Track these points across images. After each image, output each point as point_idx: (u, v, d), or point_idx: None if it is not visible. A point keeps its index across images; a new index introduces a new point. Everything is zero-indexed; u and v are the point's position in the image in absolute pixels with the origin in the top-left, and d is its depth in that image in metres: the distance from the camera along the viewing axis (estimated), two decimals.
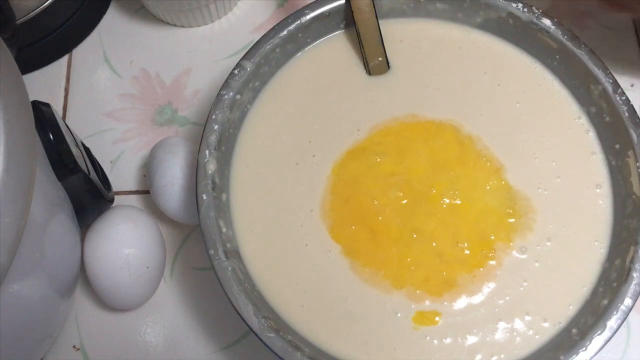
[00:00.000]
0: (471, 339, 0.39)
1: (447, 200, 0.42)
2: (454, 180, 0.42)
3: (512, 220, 0.41)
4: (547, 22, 0.44)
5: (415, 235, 0.41)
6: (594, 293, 0.39)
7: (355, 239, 0.41)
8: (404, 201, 0.42)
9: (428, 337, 0.39)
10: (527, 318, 0.39)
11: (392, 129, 0.44)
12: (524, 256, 0.40)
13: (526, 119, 0.44)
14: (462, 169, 0.43)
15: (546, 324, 0.39)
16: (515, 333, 0.39)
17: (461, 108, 0.44)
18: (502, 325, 0.39)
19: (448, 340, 0.39)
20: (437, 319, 0.39)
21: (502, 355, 0.39)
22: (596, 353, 0.37)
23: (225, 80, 0.43)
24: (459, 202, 0.42)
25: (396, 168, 0.43)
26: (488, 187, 0.42)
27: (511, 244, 0.41)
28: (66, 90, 0.53)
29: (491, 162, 0.43)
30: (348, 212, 0.42)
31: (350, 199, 0.42)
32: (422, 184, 0.43)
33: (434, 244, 0.41)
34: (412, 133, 0.44)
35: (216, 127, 0.42)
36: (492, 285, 0.40)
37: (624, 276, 0.38)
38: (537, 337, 0.39)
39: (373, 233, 0.41)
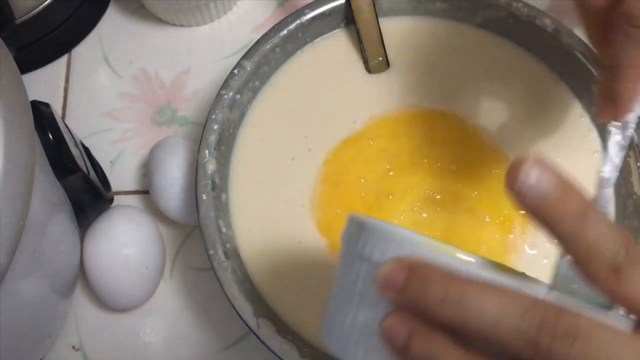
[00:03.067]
0: None
1: (440, 164, 0.42)
2: (454, 156, 0.42)
3: (523, 212, 0.41)
4: (547, 21, 0.44)
5: (390, 197, 0.41)
6: None
7: (337, 223, 0.41)
8: (391, 173, 0.42)
9: None
10: None
11: (390, 119, 0.44)
12: (534, 252, 0.40)
13: (529, 115, 0.44)
14: (465, 149, 0.43)
15: None
16: None
17: (463, 102, 0.44)
18: None
19: None
20: None
21: None
22: None
23: (225, 80, 0.43)
24: (454, 167, 0.42)
25: (388, 145, 0.43)
26: (494, 172, 0.42)
27: (523, 236, 0.41)
28: (65, 90, 0.53)
29: (496, 152, 0.43)
30: (335, 197, 0.42)
31: (339, 184, 0.42)
32: (413, 156, 0.42)
33: (410, 202, 0.41)
34: (412, 120, 0.44)
35: (216, 127, 0.42)
36: None
37: None
38: None
39: (351, 209, 0.41)
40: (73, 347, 0.45)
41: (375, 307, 0.24)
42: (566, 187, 0.22)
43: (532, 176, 0.21)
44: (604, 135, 0.43)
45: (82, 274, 0.44)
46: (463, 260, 0.23)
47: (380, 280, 0.23)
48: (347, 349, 0.24)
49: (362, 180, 0.42)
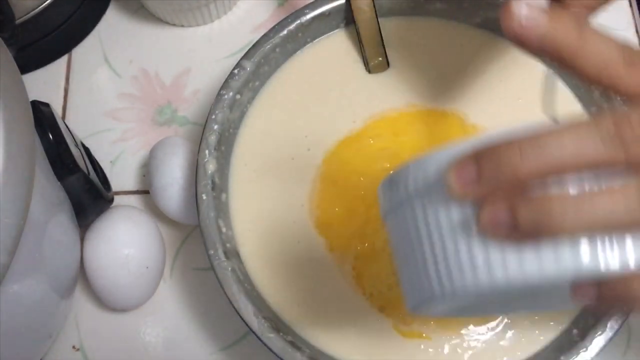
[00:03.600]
0: (473, 344, 0.39)
1: None
2: None
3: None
4: None
5: None
6: None
7: (335, 222, 0.41)
8: (391, 172, 0.42)
9: (422, 346, 0.39)
10: (536, 318, 0.39)
11: (390, 118, 0.44)
12: None
13: (530, 115, 0.44)
14: None
15: (551, 324, 0.39)
16: (521, 335, 0.39)
17: (463, 102, 0.44)
18: (511, 325, 0.39)
19: (446, 349, 0.39)
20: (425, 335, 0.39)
21: (505, 358, 0.38)
22: (597, 353, 0.37)
23: (225, 80, 0.43)
24: None
25: (388, 144, 0.43)
26: None
27: None
28: (66, 90, 0.53)
29: None
30: (334, 195, 0.42)
31: (339, 182, 0.42)
32: (413, 155, 0.42)
33: None
34: (412, 119, 0.44)
35: (216, 127, 0.42)
36: None
37: None
38: (541, 338, 0.39)
39: (349, 209, 0.41)
40: (73, 347, 0.45)
41: (458, 216, 0.23)
42: (554, 9, 0.23)
43: (523, 8, 0.23)
44: None
45: (82, 274, 0.44)
46: (510, 128, 0.23)
47: (452, 182, 0.22)
48: (452, 279, 0.23)
49: (362, 179, 0.42)
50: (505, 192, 0.22)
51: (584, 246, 0.22)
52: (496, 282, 0.23)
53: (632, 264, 0.22)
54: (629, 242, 0.22)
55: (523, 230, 0.22)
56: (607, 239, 0.22)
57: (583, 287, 0.23)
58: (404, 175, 0.25)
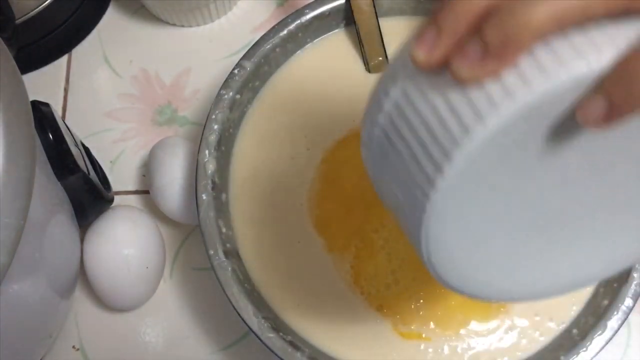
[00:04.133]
0: (473, 344, 0.39)
1: None
2: None
3: None
4: None
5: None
6: (595, 293, 0.39)
7: (334, 222, 0.41)
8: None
9: (422, 347, 0.39)
10: (537, 318, 0.39)
11: None
12: None
13: None
14: None
15: (552, 324, 0.39)
16: (522, 335, 0.39)
17: None
18: (512, 325, 0.39)
19: (446, 350, 0.39)
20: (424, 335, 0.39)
21: (506, 358, 0.38)
22: (597, 353, 0.37)
23: (225, 80, 0.43)
24: None
25: None
26: None
27: None
28: (66, 90, 0.53)
29: None
30: (334, 195, 0.42)
31: (338, 182, 0.42)
32: None
33: None
34: None
35: (216, 126, 0.42)
36: None
37: (625, 277, 0.38)
38: (541, 338, 0.39)
39: (348, 208, 0.41)
40: (73, 347, 0.45)
41: (431, 87, 0.21)
42: None
43: None
44: None
45: (82, 274, 0.44)
46: None
47: (417, 54, 0.21)
48: (445, 149, 0.21)
49: (361, 179, 0.42)
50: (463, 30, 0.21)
51: (565, 48, 0.20)
52: (488, 125, 0.20)
53: (622, 45, 0.19)
54: (609, 27, 0.20)
55: (494, 47, 0.20)
56: (584, 34, 0.20)
57: (589, 103, 0.20)
58: (375, 98, 0.23)
